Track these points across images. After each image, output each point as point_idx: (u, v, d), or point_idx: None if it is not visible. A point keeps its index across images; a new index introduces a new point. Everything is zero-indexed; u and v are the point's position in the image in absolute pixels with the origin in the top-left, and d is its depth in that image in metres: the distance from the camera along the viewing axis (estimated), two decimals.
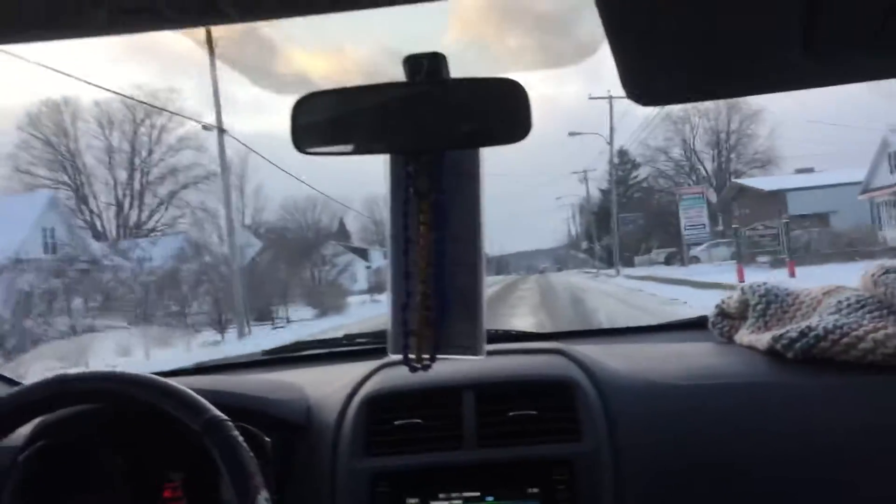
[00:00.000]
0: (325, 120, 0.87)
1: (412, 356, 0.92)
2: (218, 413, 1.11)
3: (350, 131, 0.88)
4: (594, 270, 45.37)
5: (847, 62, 0.75)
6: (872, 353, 1.33)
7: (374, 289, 36.29)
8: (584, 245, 62.07)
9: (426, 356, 0.92)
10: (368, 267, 45.70)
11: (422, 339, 0.91)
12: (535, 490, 1.30)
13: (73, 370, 1.20)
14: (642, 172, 55.04)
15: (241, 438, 1.10)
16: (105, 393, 1.18)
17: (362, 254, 51.46)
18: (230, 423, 1.10)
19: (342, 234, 57.28)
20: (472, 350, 0.91)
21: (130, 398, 1.17)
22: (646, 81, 0.79)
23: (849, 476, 1.27)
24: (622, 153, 49.44)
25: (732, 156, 50.11)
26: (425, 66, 0.86)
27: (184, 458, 1.37)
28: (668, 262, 39.06)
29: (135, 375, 1.17)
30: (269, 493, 1.07)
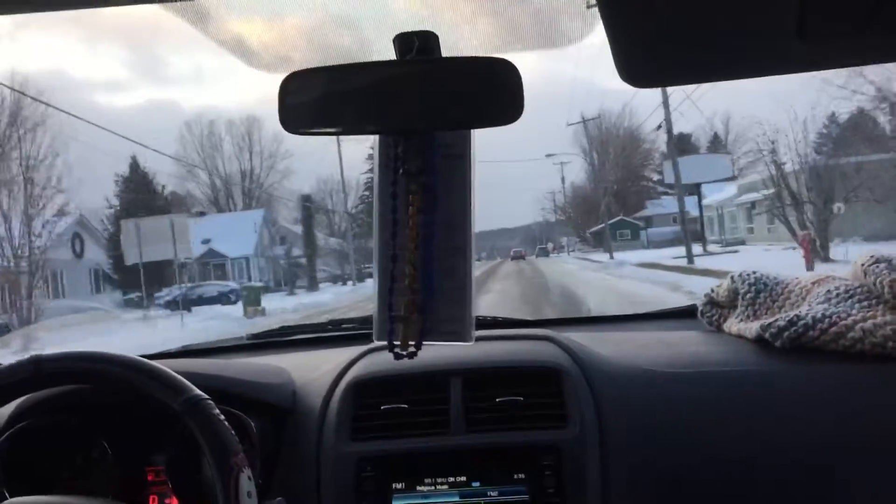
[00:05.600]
0: (314, 99, 0.86)
1: (397, 342, 0.90)
2: (198, 392, 1.09)
3: (339, 111, 0.86)
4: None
5: (839, 47, 0.76)
6: (861, 343, 1.33)
7: None
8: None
9: (412, 342, 0.90)
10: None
11: (408, 325, 0.89)
12: (522, 476, 1.30)
13: (48, 351, 1.17)
14: None
15: (221, 417, 1.08)
16: (82, 373, 1.16)
17: None
18: (210, 402, 1.09)
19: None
20: (461, 336, 0.90)
21: (108, 378, 1.15)
22: (640, 63, 0.79)
23: (835, 465, 1.27)
24: None
25: None
26: (416, 45, 0.85)
27: (167, 442, 1.36)
28: None
29: (112, 355, 1.15)
30: (251, 472, 1.06)
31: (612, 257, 33.71)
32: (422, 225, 0.88)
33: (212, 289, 31.61)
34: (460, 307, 0.90)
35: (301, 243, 42.87)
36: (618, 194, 48.28)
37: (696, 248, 29.97)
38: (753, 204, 31.25)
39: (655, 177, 58.43)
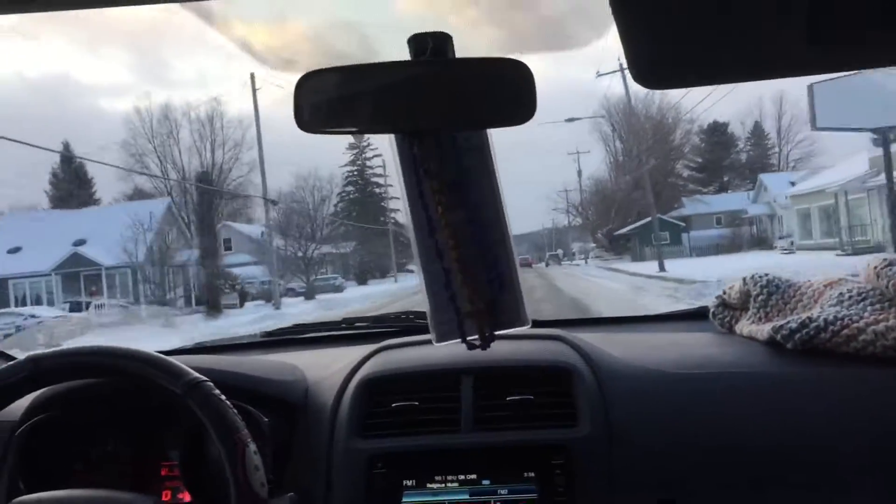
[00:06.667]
0: (329, 99, 0.87)
1: (473, 336, 0.93)
2: (197, 375, 1.12)
3: (354, 110, 0.88)
4: None
5: (849, 50, 0.76)
6: (873, 345, 1.33)
7: None
8: None
9: (487, 334, 0.93)
10: None
11: (481, 318, 0.92)
12: (532, 474, 1.30)
13: (49, 349, 1.19)
14: None
15: (223, 397, 1.10)
16: (81, 367, 1.18)
17: None
18: (211, 384, 1.11)
19: None
20: (518, 321, 0.93)
21: (108, 370, 1.16)
22: (653, 65, 0.80)
23: (845, 467, 1.26)
24: None
25: None
26: (430, 46, 0.86)
27: (181, 437, 1.37)
28: None
29: (109, 347, 1.17)
30: (256, 447, 1.08)
31: (663, 268, 23.98)
32: (456, 221, 0.90)
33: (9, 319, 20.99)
34: (511, 294, 0.92)
35: (255, 249, 33.11)
36: (645, 188, 37.84)
37: (766, 257, 23.01)
38: None
39: (686, 173, 51.25)
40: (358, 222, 50.11)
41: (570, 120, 32.22)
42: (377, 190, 61.25)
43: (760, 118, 52.30)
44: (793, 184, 33.70)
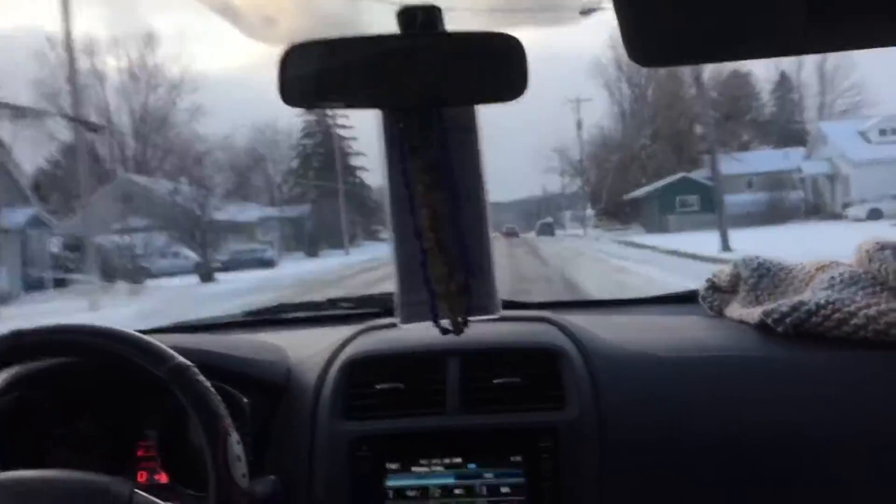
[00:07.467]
0: (315, 72, 0.84)
1: (445, 320, 0.90)
2: (183, 360, 1.09)
3: (341, 85, 0.85)
4: None
5: (850, 29, 0.75)
6: (864, 330, 1.32)
7: None
8: None
9: (460, 319, 0.90)
10: None
11: (453, 301, 0.90)
12: (519, 458, 1.29)
13: (31, 325, 1.17)
14: None
15: (208, 383, 1.08)
16: (65, 345, 1.16)
17: None
18: (196, 369, 1.09)
19: None
20: (488, 309, 0.91)
21: (91, 349, 1.14)
22: (648, 42, 0.78)
23: (836, 451, 1.26)
24: None
25: None
26: (420, 19, 0.83)
27: (157, 417, 1.35)
28: None
29: (95, 327, 1.14)
30: (244, 448, 1.06)
31: (727, 246, 17.70)
32: (436, 202, 0.87)
33: None
34: (484, 280, 0.90)
35: (161, 209, 25.46)
36: (663, 141, 31.24)
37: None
38: None
39: (699, 130, 41.12)
40: (314, 181, 45.00)
41: (586, 12, 24.18)
42: (339, 144, 51.40)
43: (799, 64, 46.17)
44: (862, 133, 27.76)
